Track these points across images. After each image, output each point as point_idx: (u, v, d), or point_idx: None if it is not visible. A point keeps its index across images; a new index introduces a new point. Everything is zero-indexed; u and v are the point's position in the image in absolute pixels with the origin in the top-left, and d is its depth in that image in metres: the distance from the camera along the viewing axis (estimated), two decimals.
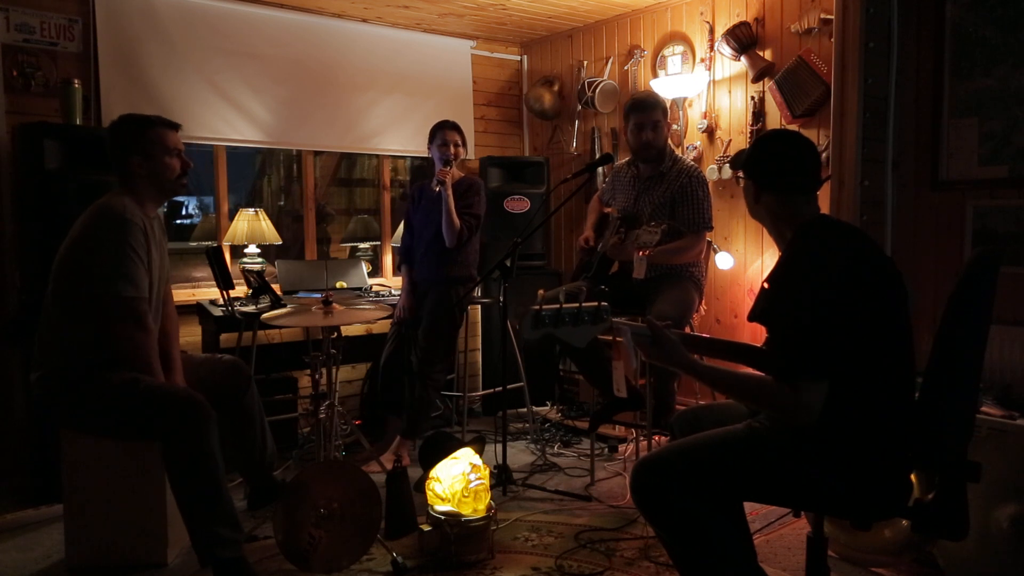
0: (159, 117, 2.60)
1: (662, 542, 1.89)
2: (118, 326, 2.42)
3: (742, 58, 3.96)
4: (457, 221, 3.65)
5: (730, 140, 4.09)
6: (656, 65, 4.46)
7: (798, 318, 1.70)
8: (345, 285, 4.32)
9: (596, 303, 1.76)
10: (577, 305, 1.74)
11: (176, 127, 2.62)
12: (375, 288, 4.47)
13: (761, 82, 3.92)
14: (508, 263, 3.15)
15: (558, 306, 1.74)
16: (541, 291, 2.37)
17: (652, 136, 3.36)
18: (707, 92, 4.19)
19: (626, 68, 4.62)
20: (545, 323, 1.74)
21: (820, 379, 1.66)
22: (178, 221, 8.02)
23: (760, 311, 1.83)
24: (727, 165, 4.01)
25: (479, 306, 4.54)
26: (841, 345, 1.67)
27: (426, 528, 2.66)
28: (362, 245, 5.24)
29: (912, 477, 1.85)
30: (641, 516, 2.00)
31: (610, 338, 4.05)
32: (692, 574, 1.83)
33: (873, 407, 1.71)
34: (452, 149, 3.74)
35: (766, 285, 1.85)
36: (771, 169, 1.90)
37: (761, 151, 1.96)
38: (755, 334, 3.80)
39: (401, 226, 4.65)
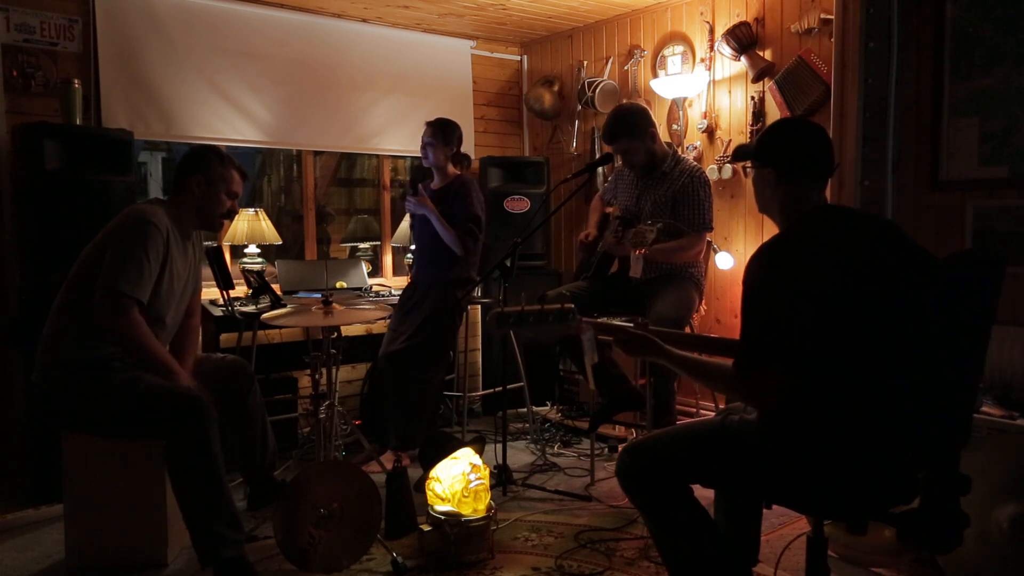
0: (240, 163, 2.76)
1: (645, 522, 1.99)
2: (100, 317, 2.40)
3: (742, 58, 3.96)
4: (450, 230, 3.62)
5: (730, 140, 4.09)
6: (656, 65, 4.46)
7: (756, 307, 1.73)
8: (345, 285, 4.32)
9: (559, 306, 2.01)
10: (540, 307, 1.99)
11: (246, 177, 2.79)
12: (375, 288, 4.47)
13: (761, 82, 3.92)
14: (508, 263, 3.15)
15: (520, 308, 1.97)
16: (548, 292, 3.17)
17: (630, 159, 3.45)
18: (707, 92, 4.19)
19: (626, 68, 4.62)
20: (508, 322, 1.97)
21: (769, 367, 1.69)
22: None
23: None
24: (727, 164, 4.01)
25: (479, 306, 4.54)
26: (802, 338, 1.65)
27: (426, 528, 2.66)
28: (362, 245, 5.24)
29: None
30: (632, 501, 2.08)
31: (610, 338, 4.07)
32: (676, 564, 1.90)
33: (845, 404, 1.65)
34: (425, 151, 3.71)
35: None
36: (792, 155, 1.86)
37: (781, 137, 1.92)
38: None
39: (401, 226, 4.67)
